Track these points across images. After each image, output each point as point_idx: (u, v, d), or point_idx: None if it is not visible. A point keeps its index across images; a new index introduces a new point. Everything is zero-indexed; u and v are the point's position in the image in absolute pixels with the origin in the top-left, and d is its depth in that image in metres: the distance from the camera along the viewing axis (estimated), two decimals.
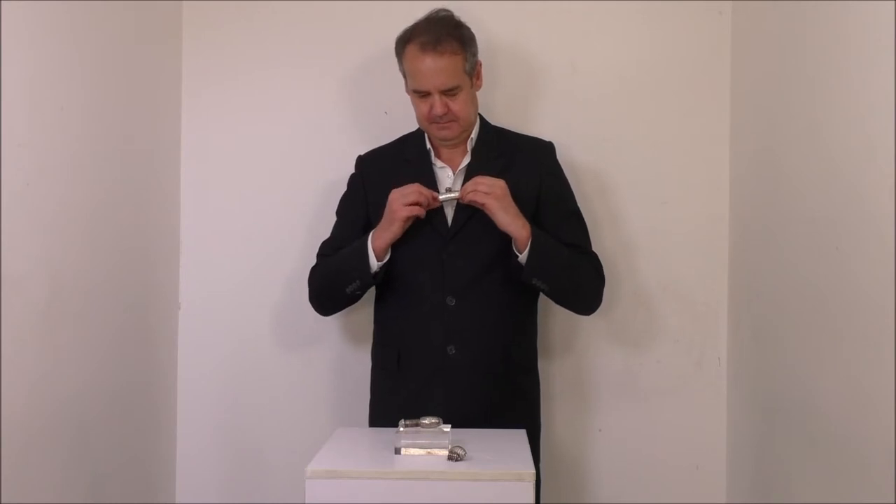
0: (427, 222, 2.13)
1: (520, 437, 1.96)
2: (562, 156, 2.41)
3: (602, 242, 2.51)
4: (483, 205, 2.05)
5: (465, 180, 2.13)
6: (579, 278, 2.19)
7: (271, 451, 2.57)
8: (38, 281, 1.89)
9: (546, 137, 2.33)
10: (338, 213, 2.29)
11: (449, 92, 2.11)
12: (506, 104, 2.51)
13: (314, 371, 2.56)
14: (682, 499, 2.53)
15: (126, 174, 2.29)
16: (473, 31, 2.20)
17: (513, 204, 2.07)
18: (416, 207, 2.06)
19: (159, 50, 2.49)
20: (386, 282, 2.17)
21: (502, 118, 2.40)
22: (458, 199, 2.10)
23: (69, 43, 2.02)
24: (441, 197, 2.10)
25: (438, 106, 2.11)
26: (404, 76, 2.19)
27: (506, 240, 2.10)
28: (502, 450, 1.85)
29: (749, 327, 2.38)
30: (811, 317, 1.96)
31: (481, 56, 2.23)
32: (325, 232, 2.30)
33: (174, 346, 2.57)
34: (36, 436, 1.90)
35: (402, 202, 2.06)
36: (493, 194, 2.05)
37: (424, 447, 1.81)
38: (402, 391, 2.16)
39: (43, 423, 1.92)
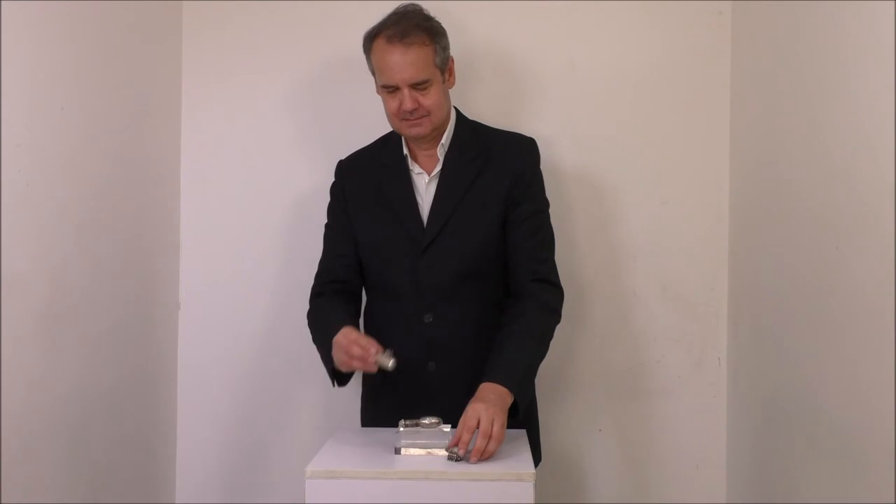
0: (400, 225, 2.10)
1: (520, 437, 1.96)
2: (562, 155, 2.42)
3: (601, 243, 2.52)
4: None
5: (438, 187, 2.11)
6: (544, 349, 2.10)
7: (271, 451, 2.57)
8: (38, 281, 1.89)
9: (545, 137, 2.32)
10: (327, 227, 2.25)
11: (419, 86, 2.04)
12: (505, 103, 2.51)
13: (314, 371, 2.54)
14: (682, 499, 2.53)
15: (126, 174, 2.29)
16: (472, 30, 2.19)
17: (497, 413, 1.84)
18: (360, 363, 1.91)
19: (159, 50, 2.49)
20: (369, 285, 2.18)
21: (500, 117, 2.40)
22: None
23: (69, 43, 2.01)
24: (379, 362, 1.87)
25: (408, 101, 2.04)
26: (373, 74, 2.13)
27: (481, 246, 2.08)
28: (502, 450, 1.84)
29: (749, 327, 2.38)
30: (811, 317, 1.96)
31: (481, 55, 2.22)
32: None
33: (174, 345, 2.57)
34: (36, 436, 1.90)
35: (345, 360, 1.92)
36: (493, 450, 1.81)
37: (424, 447, 1.81)
38: (389, 403, 2.11)
39: (43, 423, 1.92)
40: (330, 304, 2.14)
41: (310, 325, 2.16)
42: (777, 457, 2.17)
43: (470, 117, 2.23)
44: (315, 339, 2.10)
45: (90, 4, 2.09)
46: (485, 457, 1.79)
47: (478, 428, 1.81)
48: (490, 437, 1.80)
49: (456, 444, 1.79)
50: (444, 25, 2.12)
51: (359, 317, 2.20)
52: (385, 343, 2.15)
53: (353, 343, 1.90)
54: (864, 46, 1.73)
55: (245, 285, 2.57)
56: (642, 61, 2.52)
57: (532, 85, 2.52)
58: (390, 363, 1.83)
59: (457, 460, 1.76)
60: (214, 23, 2.56)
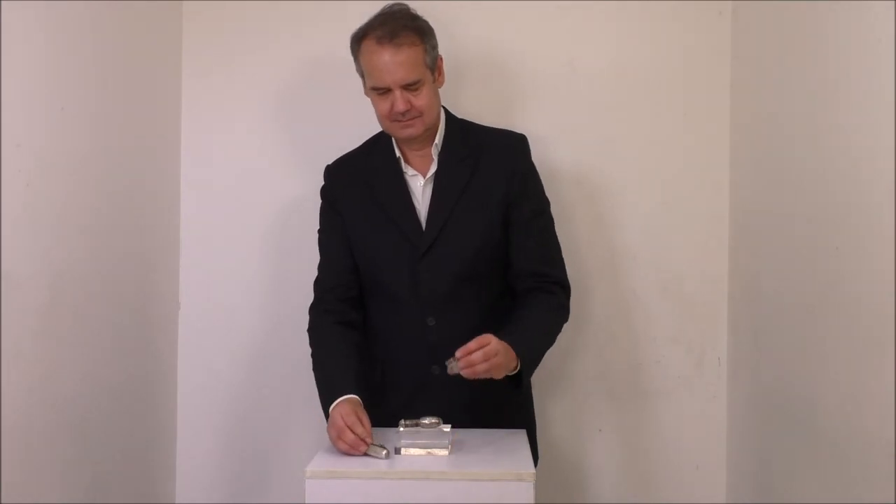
0: (397, 230, 2.08)
1: (520, 437, 1.96)
2: (561, 155, 2.41)
3: (601, 243, 2.52)
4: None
5: (434, 189, 2.09)
6: (553, 338, 2.12)
7: (271, 451, 2.57)
8: (39, 281, 1.89)
9: (545, 137, 2.32)
10: (320, 232, 2.22)
11: (410, 87, 2.01)
12: (505, 104, 2.50)
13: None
14: (682, 499, 2.53)
15: (126, 174, 2.29)
16: (471, 30, 2.17)
17: (504, 354, 1.88)
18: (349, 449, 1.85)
19: (159, 49, 2.49)
20: (367, 287, 2.15)
21: (500, 118, 2.39)
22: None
23: (69, 43, 2.01)
24: (371, 452, 1.82)
25: (400, 102, 2.00)
26: (362, 76, 2.09)
27: (479, 248, 2.07)
28: (502, 450, 1.85)
29: (749, 327, 2.38)
30: (811, 316, 1.96)
31: (482, 55, 2.20)
32: None
33: (174, 346, 2.57)
34: (36, 436, 1.90)
35: (335, 441, 1.88)
36: (479, 371, 1.86)
37: (424, 447, 1.81)
38: (389, 405, 2.09)
39: (43, 423, 1.92)
40: (334, 345, 2.09)
41: (312, 353, 2.12)
42: (777, 457, 2.17)
43: (469, 118, 2.23)
44: (316, 380, 2.07)
45: (90, 4, 2.09)
46: (469, 372, 1.84)
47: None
48: (488, 360, 1.83)
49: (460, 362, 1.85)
50: (445, 25, 2.12)
51: (361, 335, 2.17)
52: (385, 346, 2.15)
53: (347, 430, 1.84)
54: (864, 46, 1.73)
55: (245, 285, 2.57)
56: (642, 61, 2.52)
57: (532, 85, 2.52)
58: (383, 453, 1.80)
59: (452, 370, 1.83)
60: (214, 22, 2.56)
